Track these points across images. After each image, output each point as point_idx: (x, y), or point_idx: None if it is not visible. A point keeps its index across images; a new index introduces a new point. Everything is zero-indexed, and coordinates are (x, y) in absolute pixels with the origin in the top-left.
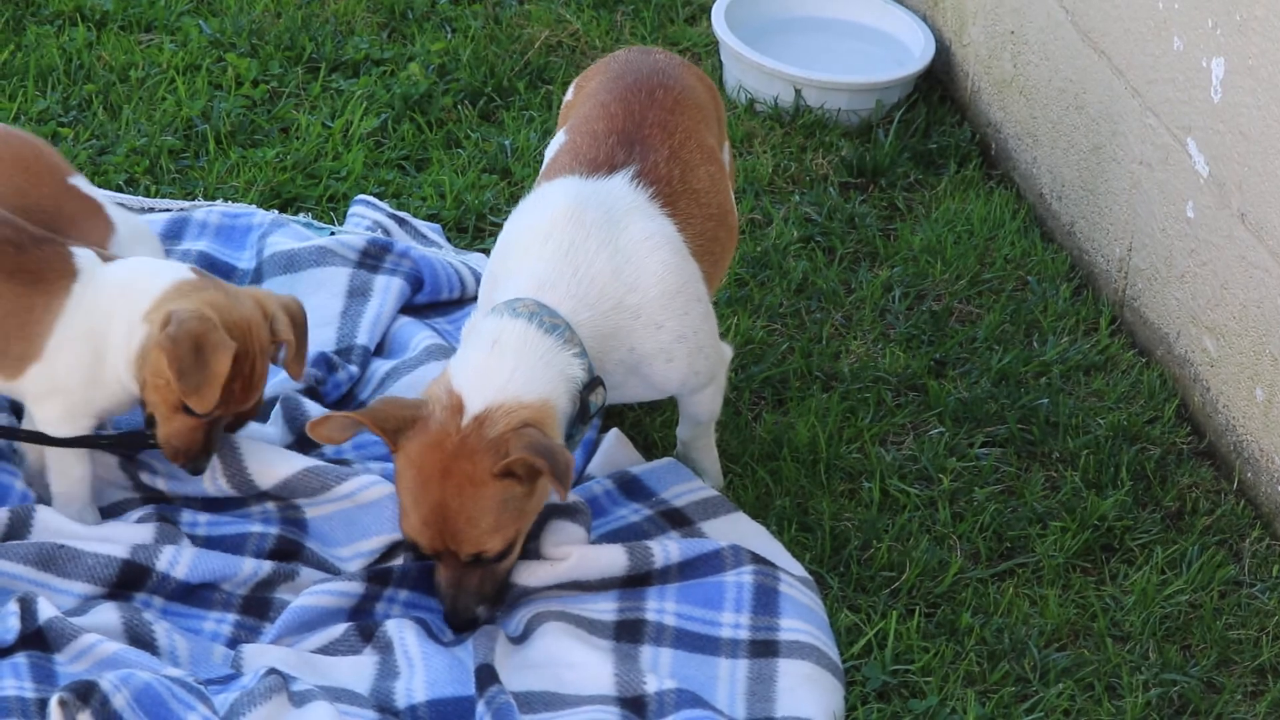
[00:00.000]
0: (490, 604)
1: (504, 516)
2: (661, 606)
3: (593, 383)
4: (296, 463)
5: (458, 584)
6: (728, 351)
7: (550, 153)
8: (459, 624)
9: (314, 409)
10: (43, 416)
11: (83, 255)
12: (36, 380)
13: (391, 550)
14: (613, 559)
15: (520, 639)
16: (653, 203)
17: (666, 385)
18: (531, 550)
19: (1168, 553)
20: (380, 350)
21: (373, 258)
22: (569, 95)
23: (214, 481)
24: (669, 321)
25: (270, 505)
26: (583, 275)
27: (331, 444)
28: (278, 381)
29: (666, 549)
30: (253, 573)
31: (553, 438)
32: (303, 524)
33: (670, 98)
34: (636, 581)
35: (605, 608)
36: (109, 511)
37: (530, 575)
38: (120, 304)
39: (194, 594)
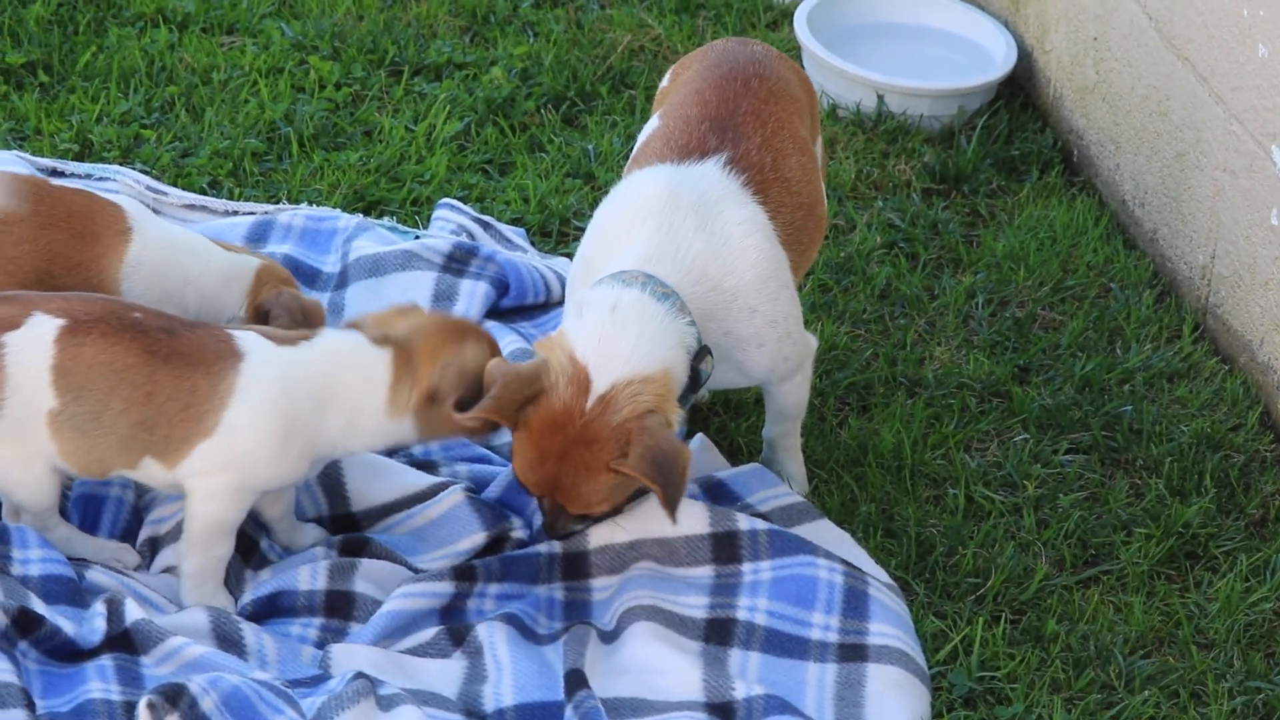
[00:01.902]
0: (586, 524)
1: (614, 493)
2: (753, 603)
3: (702, 350)
4: (393, 488)
5: (559, 512)
6: (813, 341)
7: (643, 137)
8: (556, 535)
9: None
10: (207, 493)
11: (246, 338)
12: (206, 458)
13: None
14: (695, 513)
15: (611, 636)
16: (745, 189)
17: (756, 371)
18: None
19: (1252, 560)
20: None
21: (458, 261)
22: (665, 81)
23: (310, 494)
24: (762, 306)
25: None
26: (683, 254)
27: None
28: None
29: (753, 521)
30: (311, 574)
31: (672, 409)
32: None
33: (765, 88)
34: (726, 552)
35: (696, 602)
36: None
37: (614, 529)
38: (346, 374)
39: (275, 604)
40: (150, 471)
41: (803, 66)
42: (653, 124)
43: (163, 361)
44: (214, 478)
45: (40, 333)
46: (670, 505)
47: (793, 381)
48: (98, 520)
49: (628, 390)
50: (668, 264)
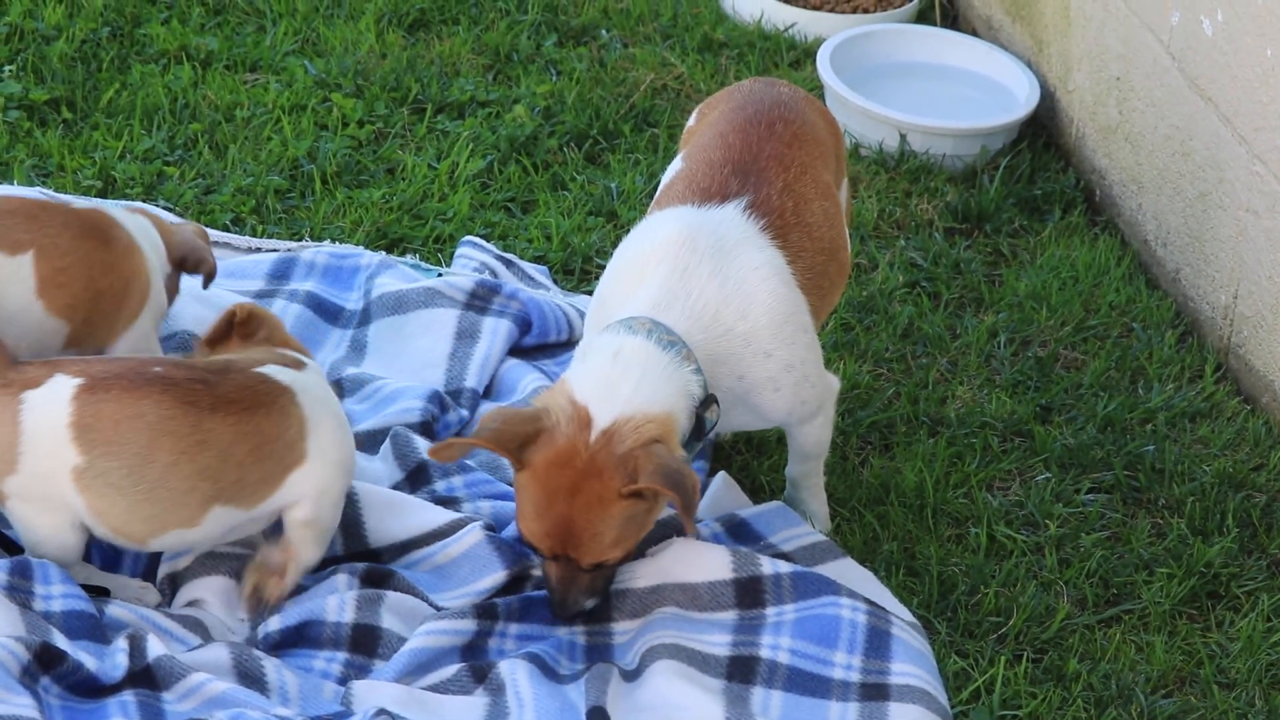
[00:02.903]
0: (598, 597)
1: (627, 530)
2: (776, 642)
3: (708, 399)
4: (411, 525)
5: (570, 582)
6: (835, 382)
7: (667, 177)
8: (567, 615)
9: (424, 445)
10: (312, 516)
11: (277, 372)
12: (306, 480)
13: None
14: (717, 559)
15: (634, 675)
16: (764, 234)
17: (774, 415)
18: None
19: (1274, 600)
20: (489, 393)
21: (481, 299)
22: (691, 121)
23: None
24: (777, 350)
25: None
26: (695, 299)
27: (447, 462)
28: (389, 414)
29: (776, 564)
30: (339, 604)
31: (675, 448)
32: (390, 574)
33: (789, 131)
34: (750, 597)
35: (719, 640)
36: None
37: (634, 576)
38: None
39: (302, 635)
40: (219, 520)
41: (826, 106)
42: (676, 165)
43: (209, 411)
44: (319, 501)
45: (57, 391)
46: (689, 513)
47: (814, 423)
48: (118, 559)
49: (630, 424)
50: (678, 309)
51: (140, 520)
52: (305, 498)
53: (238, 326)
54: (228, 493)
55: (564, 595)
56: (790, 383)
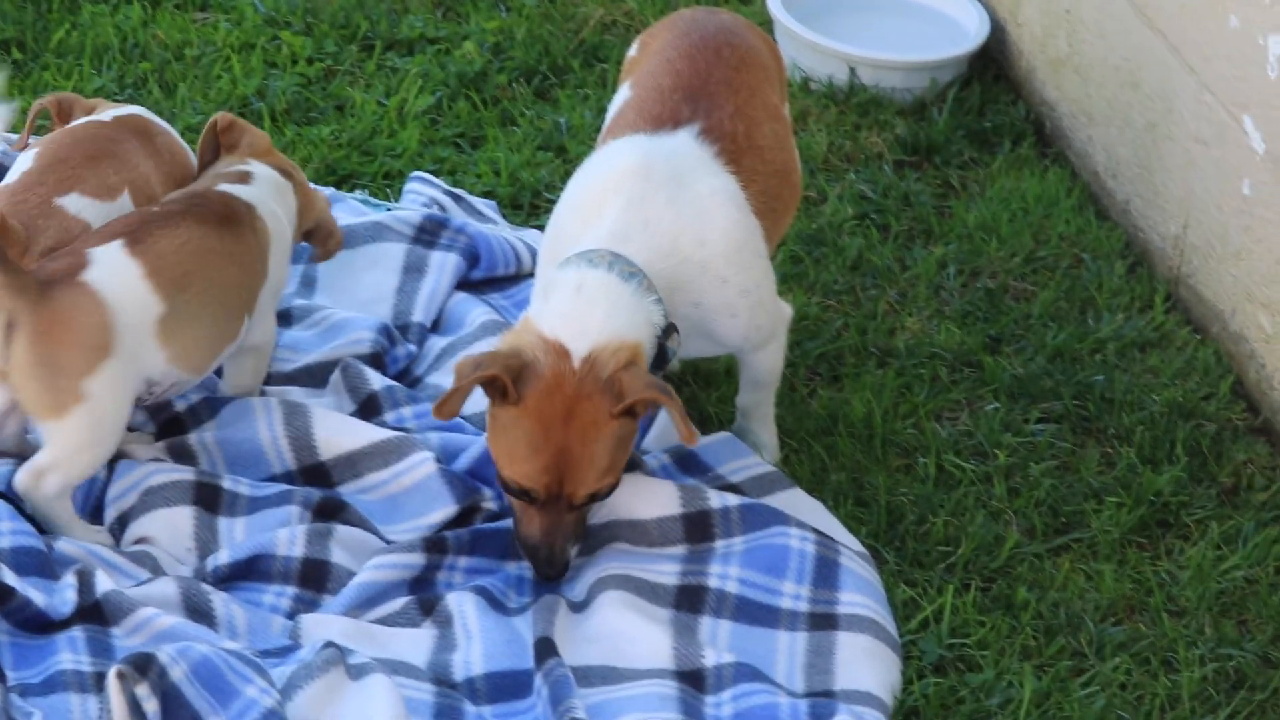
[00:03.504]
0: (579, 543)
1: (618, 454)
2: (725, 571)
3: (669, 328)
4: (361, 436)
5: (552, 527)
6: (787, 310)
7: (613, 108)
8: (557, 571)
9: (374, 376)
10: (268, 337)
11: (231, 187)
12: (265, 301)
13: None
14: (665, 494)
15: (581, 606)
16: (717, 159)
17: (729, 340)
18: None
19: (1223, 528)
20: (436, 327)
21: (429, 233)
22: (633, 51)
23: (271, 436)
24: (734, 276)
25: (314, 490)
26: (653, 228)
27: (451, 419)
28: (338, 345)
29: (724, 498)
30: (290, 538)
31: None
32: (341, 503)
33: (736, 56)
34: (699, 531)
35: (668, 569)
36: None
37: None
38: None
39: (251, 568)
40: (238, 336)
41: (775, 39)
42: (623, 94)
43: (223, 226)
44: (271, 310)
45: (110, 257)
46: (684, 418)
47: (767, 350)
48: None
49: (606, 351)
50: (636, 240)
51: (205, 346)
52: (266, 314)
53: (221, 135)
54: (248, 303)
55: (551, 547)
56: (746, 308)
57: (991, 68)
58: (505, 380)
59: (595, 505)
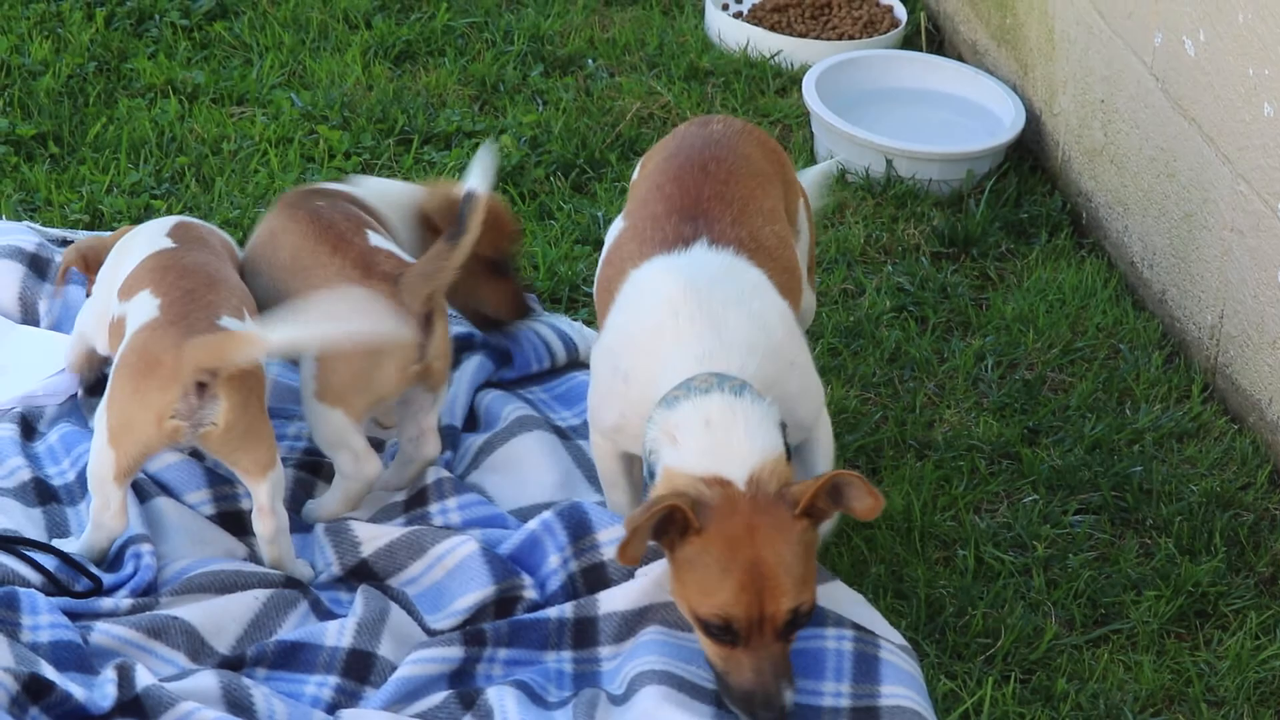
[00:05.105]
0: (790, 684)
1: (808, 566)
2: None
3: (783, 425)
4: (399, 529)
5: (763, 664)
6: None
7: (611, 238)
8: (775, 716)
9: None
10: None
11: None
12: None
13: (480, 610)
14: None
15: (622, 699)
16: (739, 257)
17: (807, 419)
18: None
19: (1262, 618)
20: (474, 425)
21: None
22: (635, 175)
23: (323, 556)
24: (797, 355)
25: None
26: (727, 336)
27: (635, 563)
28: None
29: None
30: (339, 629)
31: None
32: (391, 592)
33: (723, 169)
34: None
35: (707, 675)
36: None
37: (622, 599)
38: None
39: (296, 656)
40: None
41: (811, 132)
42: (619, 225)
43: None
44: None
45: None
46: (869, 486)
47: (823, 423)
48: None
49: (764, 469)
50: (721, 353)
51: None
52: None
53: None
54: None
55: (767, 688)
56: (810, 384)
57: (1028, 158)
58: (685, 509)
59: (625, 588)
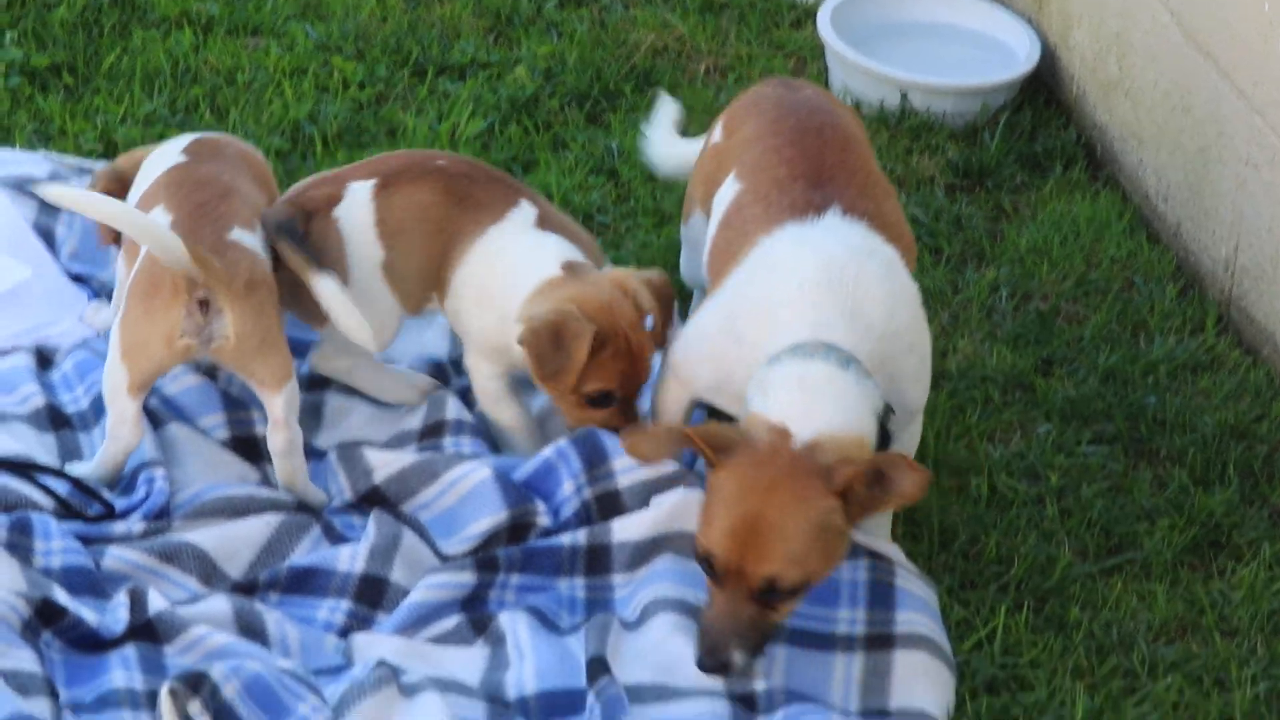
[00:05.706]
0: (748, 651)
1: (813, 546)
2: None
3: (887, 408)
4: (411, 455)
5: (725, 615)
6: None
7: (724, 200)
8: (712, 665)
9: (454, 405)
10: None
11: (525, 209)
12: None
13: (493, 536)
14: None
15: (635, 624)
16: (872, 231)
17: (913, 404)
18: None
19: (1275, 549)
20: None
21: None
22: (717, 137)
23: (335, 482)
24: (918, 342)
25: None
26: (851, 310)
27: (645, 461)
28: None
29: None
30: (351, 554)
31: None
32: (404, 517)
33: (838, 136)
34: None
35: None
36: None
37: (637, 526)
38: (507, 283)
39: (308, 581)
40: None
41: (826, 65)
42: (733, 186)
43: (457, 203)
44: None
45: (359, 197)
46: (912, 463)
47: (919, 417)
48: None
49: (831, 440)
50: (841, 326)
51: (410, 301)
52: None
53: None
54: (440, 285)
55: (714, 635)
56: (925, 372)
57: (1042, 92)
58: (698, 440)
59: (640, 515)
